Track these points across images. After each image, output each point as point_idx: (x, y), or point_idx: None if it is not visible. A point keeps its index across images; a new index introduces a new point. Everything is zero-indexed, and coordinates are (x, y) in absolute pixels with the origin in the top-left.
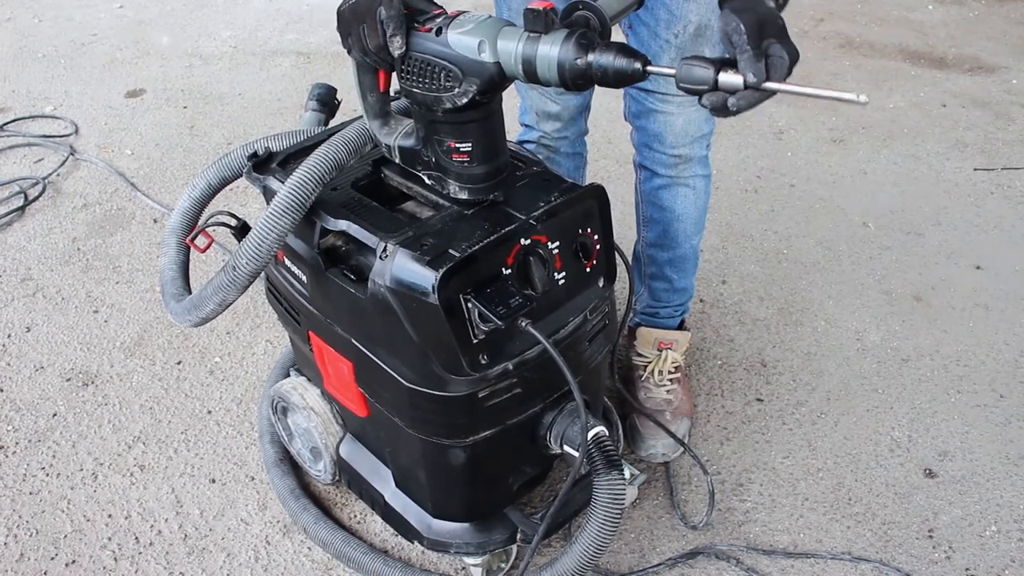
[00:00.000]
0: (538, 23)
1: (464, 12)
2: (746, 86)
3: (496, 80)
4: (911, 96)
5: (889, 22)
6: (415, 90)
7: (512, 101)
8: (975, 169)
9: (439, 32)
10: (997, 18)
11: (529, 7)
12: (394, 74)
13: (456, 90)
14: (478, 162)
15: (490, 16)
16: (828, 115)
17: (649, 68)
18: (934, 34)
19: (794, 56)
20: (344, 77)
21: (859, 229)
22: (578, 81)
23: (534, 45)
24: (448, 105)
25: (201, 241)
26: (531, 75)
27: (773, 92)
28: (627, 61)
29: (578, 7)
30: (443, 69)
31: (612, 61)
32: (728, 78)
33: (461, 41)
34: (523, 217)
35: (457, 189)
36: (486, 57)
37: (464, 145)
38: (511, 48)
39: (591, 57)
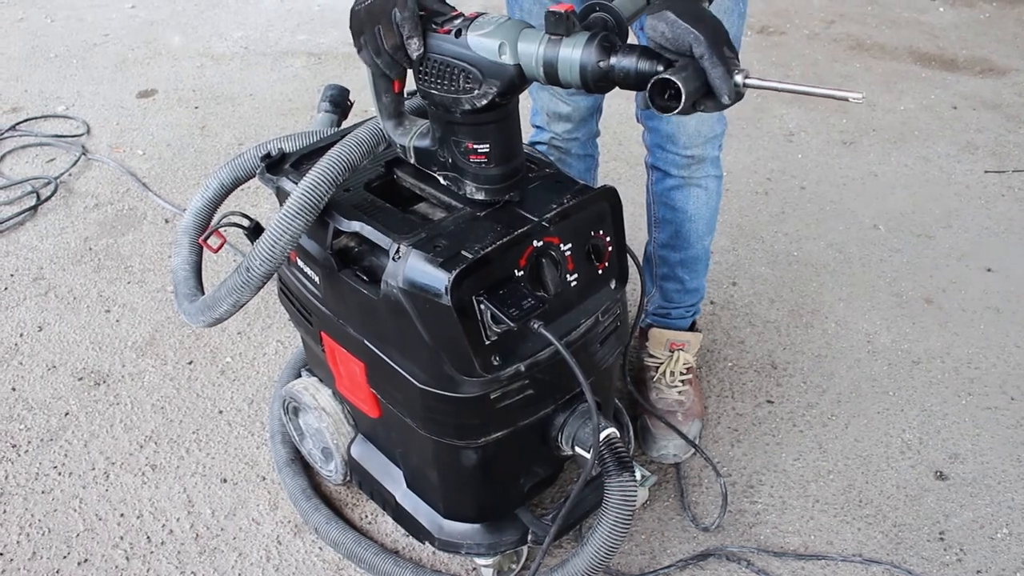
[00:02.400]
0: (560, 26)
1: (482, 14)
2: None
3: (516, 82)
4: (921, 98)
5: (899, 24)
6: (433, 91)
7: (524, 102)
8: (986, 171)
9: (458, 34)
10: (1008, 20)
11: (551, 9)
12: (409, 74)
13: (476, 92)
14: (496, 163)
15: (509, 18)
16: (838, 117)
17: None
18: (944, 36)
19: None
20: (356, 78)
21: (869, 231)
22: (600, 84)
23: (556, 48)
24: (467, 107)
25: (214, 241)
26: (552, 77)
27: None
28: (650, 64)
29: (595, 8)
30: (462, 71)
31: (635, 64)
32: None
33: (481, 43)
34: (535, 219)
35: (474, 190)
36: (507, 59)
37: (482, 146)
38: (532, 50)
39: (613, 60)
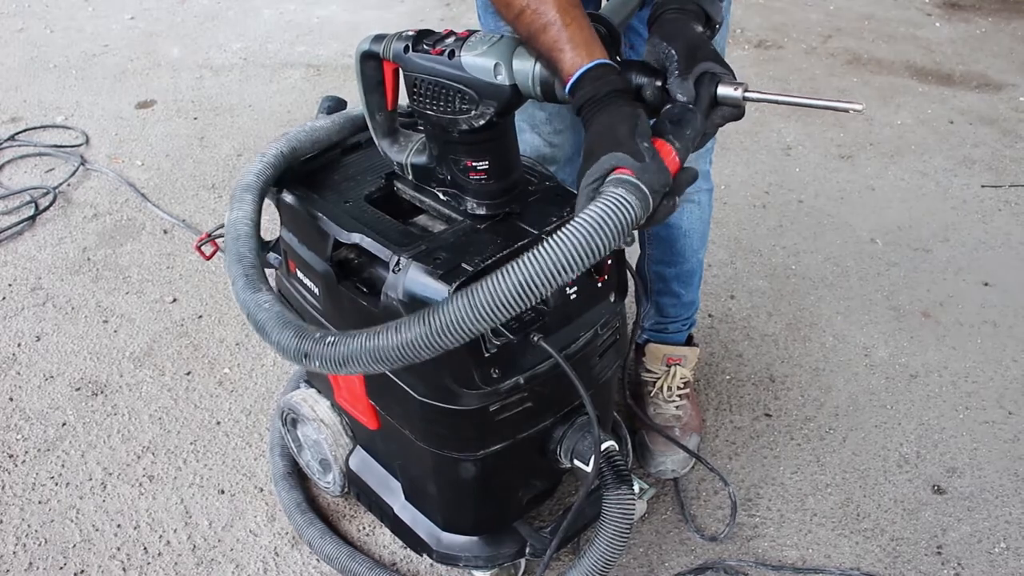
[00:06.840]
0: None
1: (474, 32)
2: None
3: (513, 101)
4: (918, 113)
5: (896, 39)
6: (429, 112)
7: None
8: (982, 186)
9: (452, 55)
10: (1004, 35)
11: None
12: (403, 89)
13: (473, 113)
14: (495, 179)
15: (502, 36)
16: (836, 131)
17: (669, 86)
18: (941, 51)
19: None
20: (354, 90)
21: (867, 245)
22: None
23: None
24: (464, 127)
25: (207, 249)
26: (549, 95)
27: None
28: (648, 80)
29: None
30: (458, 92)
31: (633, 80)
32: (727, 91)
33: (476, 64)
34: (535, 232)
35: (475, 205)
36: (502, 80)
37: (481, 164)
38: (528, 69)
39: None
